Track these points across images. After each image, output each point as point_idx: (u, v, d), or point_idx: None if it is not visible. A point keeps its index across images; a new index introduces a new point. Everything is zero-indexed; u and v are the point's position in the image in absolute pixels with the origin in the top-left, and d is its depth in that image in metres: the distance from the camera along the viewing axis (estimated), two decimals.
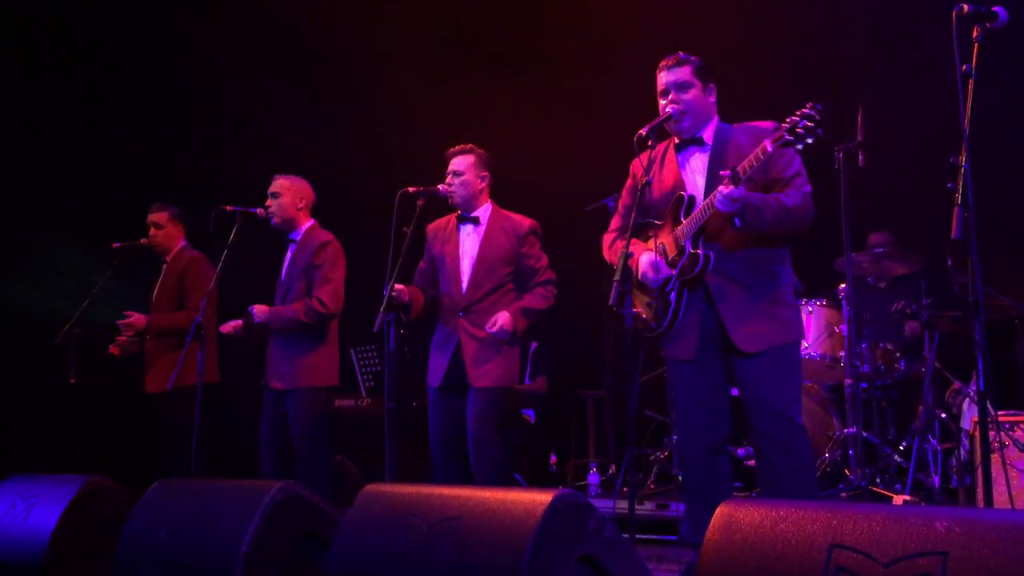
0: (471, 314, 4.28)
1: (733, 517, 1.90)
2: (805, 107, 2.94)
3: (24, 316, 6.33)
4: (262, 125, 7.08)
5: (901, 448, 5.09)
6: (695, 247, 3.31)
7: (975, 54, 2.66)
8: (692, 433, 3.42)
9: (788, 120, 2.97)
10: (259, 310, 4.67)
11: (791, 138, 2.94)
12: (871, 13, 6.17)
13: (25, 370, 6.14)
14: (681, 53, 3.46)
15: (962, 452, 4.69)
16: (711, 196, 3.20)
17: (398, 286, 4.12)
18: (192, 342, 4.51)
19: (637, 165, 3.52)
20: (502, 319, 4.19)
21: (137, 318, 5.11)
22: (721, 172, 3.17)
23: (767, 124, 3.34)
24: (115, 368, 5.38)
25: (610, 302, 3.08)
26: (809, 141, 2.95)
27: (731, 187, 3.09)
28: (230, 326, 4.76)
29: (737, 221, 3.17)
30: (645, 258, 3.43)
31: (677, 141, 3.50)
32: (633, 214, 3.31)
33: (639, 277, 3.43)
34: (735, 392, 3.47)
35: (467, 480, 4.24)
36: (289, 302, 4.74)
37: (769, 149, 3.00)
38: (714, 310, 3.32)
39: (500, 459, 4.24)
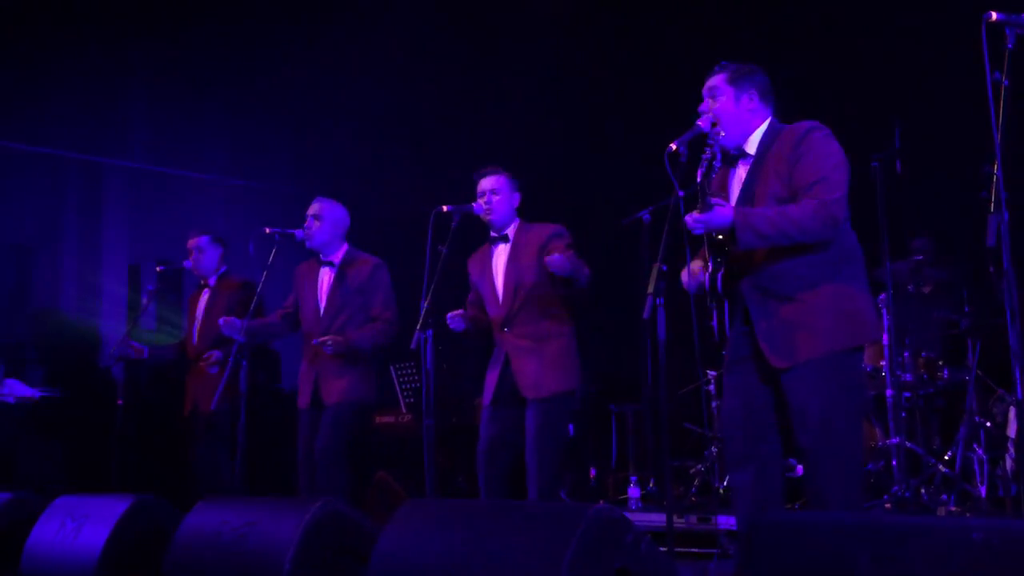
0: (513, 326, 4.29)
1: (767, 530, 1.90)
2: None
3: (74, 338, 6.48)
4: (297, 140, 7.18)
5: (946, 458, 5.02)
6: (704, 268, 3.26)
7: (1006, 61, 2.64)
8: (738, 446, 3.26)
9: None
10: (330, 340, 4.66)
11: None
12: (907, 21, 6.13)
13: (76, 392, 6.28)
14: (724, 61, 3.37)
15: (1008, 461, 4.62)
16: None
17: (455, 313, 4.21)
18: (235, 362, 4.58)
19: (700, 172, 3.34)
20: (557, 257, 4.05)
21: (137, 351, 5.25)
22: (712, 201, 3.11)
23: (802, 126, 3.20)
24: (163, 388, 5.49)
25: (643, 316, 3.08)
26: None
27: (702, 212, 3.05)
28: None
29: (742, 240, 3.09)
30: (685, 270, 3.37)
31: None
32: (664, 235, 3.27)
33: (689, 288, 3.35)
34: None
35: (513, 498, 4.21)
36: (340, 324, 4.80)
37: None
38: (749, 324, 3.23)
39: (559, 473, 4.21)
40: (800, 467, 5.18)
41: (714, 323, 3.29)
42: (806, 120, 3.23)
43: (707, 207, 3.05)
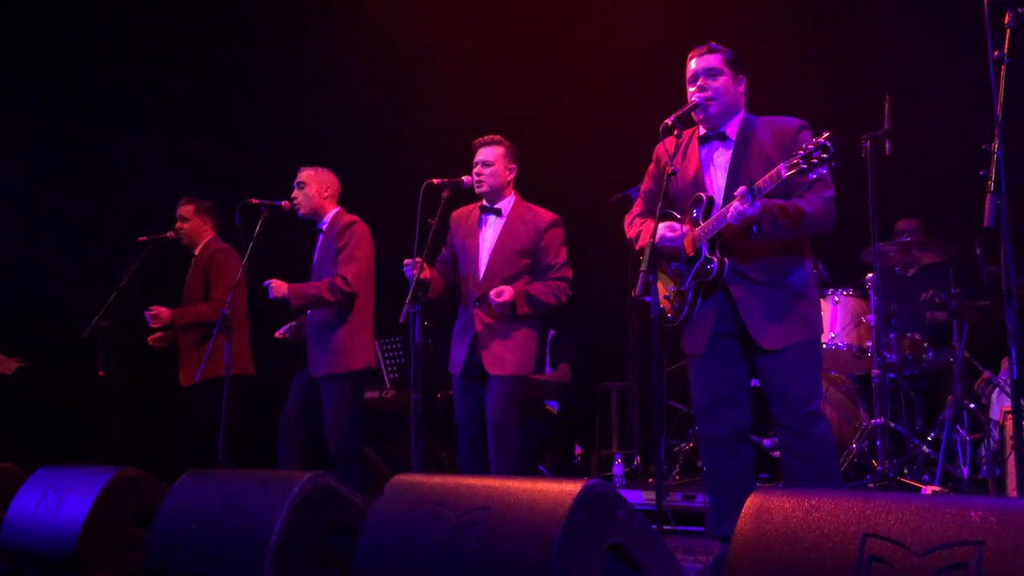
0: (485, 304, 4.29)
1: (764, 507, 1.89)
2: (821, 137, 2.94)
3: (53, 309, 6.39)
4: (286, 116, 7.11)
5: (929, 439, 5.05)
6: (712, 252, 3.31)
7: (1007, 39, 2.63)
8: (712, 424, 3.43)
9: (803, 148, 2.98)
10: (276, 285, 4.64)
11: (805, 166, 2.96)
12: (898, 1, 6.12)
13: (54, 363, 6.21)
14: (713, 43, 3.46)
15: (991, 442, 4.65)
16: (727, 207, 3.20)
17: (416, 260, 4.13)
18: (219, 334, 4.53)
19: (661, 150, 3.49)
20: (506, 292, 4.20)
21: (161, 311, 5.14)
22: (736, 192, 3.16)
23: (791, 123, 3.35)
24: (143, 360, 5.44)
25: (635, 292, 3.08)
26: (822, 171, 2.97)
27: (746, 204, 3.10)
28: (282, 332, 4.85)
29: (755, 229, 3.18)
30: (663, 224, 3.40)
31: (702, 133, 3.48)
32: (660, 203, 3.30)
33: (656, 241, 3.35)
34: (755, 383, 3.48)
35: (490, 469, 4.26)
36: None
37: (783, 175, 3.02)
38: (734, 309, 3.34)
39: (519, 447, 4.25)
40: (768, 441, 5.26)
41: (686, 307, 3.37)
42: (787, 116, 3.41)
43: (754, 196, 3.10)
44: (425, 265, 4.17)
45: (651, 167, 3.69)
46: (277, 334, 4.93)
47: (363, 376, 4.80)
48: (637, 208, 3.76)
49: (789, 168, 2.99)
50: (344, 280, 4.65)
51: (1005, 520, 1.64)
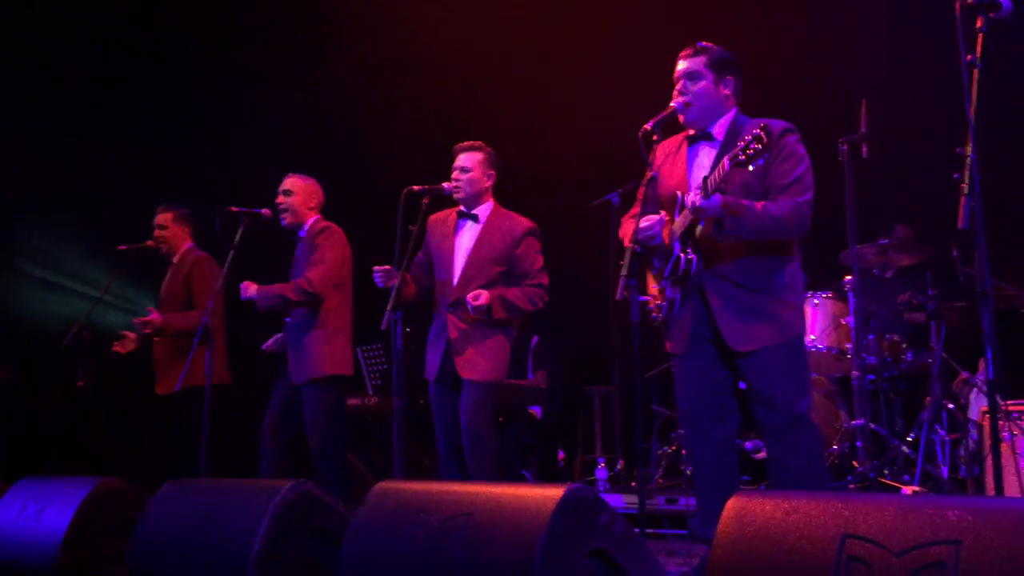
0: (459, 309, 4.30)
1: (745, 509, 1.90)
2: (758, 129, 2.97)
3: (33, 319, 6.35)
4: (267, 123, 7.09)
5: (909, 439, 5.09)
6: (683, 250, 3.31)
7: (979, 44, 2.66)
8: (698, 427, 3.41)
9: (742, 139, 2.99)
10: (246, 286, 4.66)
11: (743, 158, 2.98)
12: (874, 3, 6.17)
13: (34, 373, 6.16)
14: (700, 43, 3.43)
15: (970, 442, 4.69)
16: (686, 201, 3.20)
17: (386, 268, 4.13)
18: (200, 343, 4.51)
19: (654, 153, 3.47)
20: (483, 296, 4.19)
21: (154, 317, 5.10)
22: (692, 187, 3.18)
23: (777, 125, 3.31)
24: (123, 370, 5.40)
25: (616, 297, 3.09)
26: (759, 162, 2.98)
27: (699, 197, 3.10)
28: (270, 344, 4.85)
29: (716, 227, 3.17)
30: (641, 219, 3.39)
31: (691, 133, 3.48)
32: (641, 206, 3.31)
33: (636, 237, 3.35)
34: (742, 385, 3.47)
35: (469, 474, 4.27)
36: None
37: (727, 167, 3.04)
38: (708, 311, 3.32)
39: (494, 452, 4.25)
40: (750, 444, 5.28)
41: (665, 305, 3.37)
42: (775, 119, 3.36)
43: (708, 193, 3.11)
44: (400, 272, 4.17)
45: (648, 172, 3.67)
46: (264, 347, 4.91)
47: (342, 382, 4.79)
48: (633, 211, 3.72)
49: (731, 160, 3.00)
50: (308, 281, 4.64)
51: (982, 519, 1.67)
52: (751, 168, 3.00)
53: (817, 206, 3.36)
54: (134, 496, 3.50)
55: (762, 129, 2.95)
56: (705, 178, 3.13)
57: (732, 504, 1.92)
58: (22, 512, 3.50)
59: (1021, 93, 5.27)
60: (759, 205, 3.19)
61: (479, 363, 4.27)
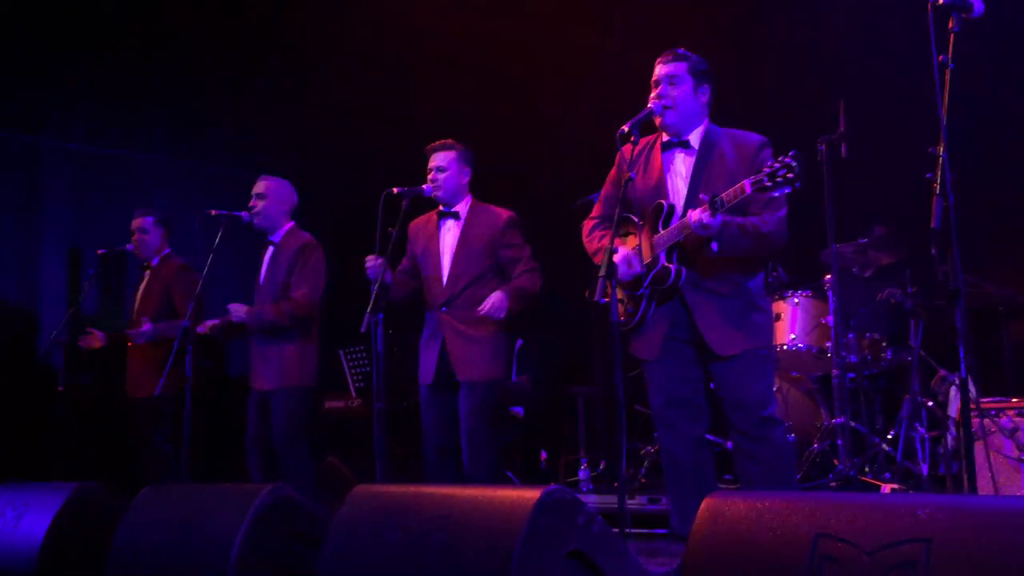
0: (453, 308, 4.29)
1: (719, 509, 1.91)
2: (787, 156, 2.97)
3: (10, 324, 6.31)
4: (246, 123, 7.06)
5: (889, 437, 5.12)
6: (669, 260, 3.35)
7: (951, 44, 2.68)
8: (675, 427, 3.47)
9: (768, 166, 3.01)
10: (237, 309, 4.66)
11: (769, 184, 2.99)
12: (851, 2, 6.19)
13: (12, 378, 6.12)
14: (680, 49, 3.49)
15: (949, 440, 4.72)
16: (688, 217, 3.23)
17: (379, 260, 4.10)
18: (179, 347, 4.50)
19: (624, 154, 3.51)
20: (495, 297, 4.16)
21: (147, 327, 5.09)
22: (700, 195, 3.21)
23: (753, 140, 3.40)
24: (103, 374, 5.37)
25: (594, 297, 3.10)
26: (786, 190, 3.00)
27: (708, 215, 3.13)
28: (207, 326, 4.77)
29: (714, 246, 3.22)
30: (620, 254, 3.44)
31: (665, 139, 3.51)
32: (617, 209, 3.33)
33: (618, 276, 3.41)
34: (712, 385, 3.53)
35: (462, 479, 4.24)
36: (271, 300, 4.73)
37: (747, 191, 3.06)
38: (689, 316, 3.39)
39: (495, 458, 4.23)
40: (731, 443, 5.30)
41: (640, 311, 3.41)
42: (750, 131, 3.47)
43: (716, 208, 3.14)
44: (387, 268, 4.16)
45: (613, 171, 3.72)
46: (200, 329, 4.80)
47: (311, 392, 4.79)
48: (596, 211, 3.78)
49: (754, 185, 3.02)
50: (298, 305, 4.67)
51: (952, 518, 1.68)
52: (776, 194, 3.03)
53: (796, 206, 3.41)
54: (113, 501, 3.47)
55: (794, 158, 2.96)
56: (715, 196, 3.15)
57: (706, 504, 1.93)
58: (0, 519, 3.47)
59: (1002, 93, 5.31)
60: (749, 223, 3.26)
61: (478, 362, 4.23)
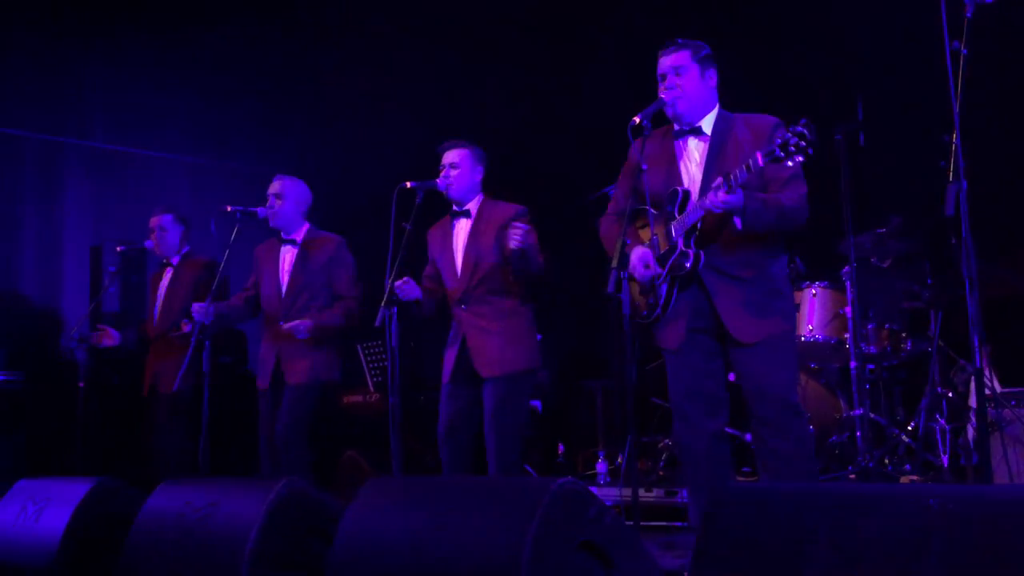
0: (470, 303, 4.28)
1: (727, 501, 1.91)
2: (798, 125, 2.94)
3: (34, 320, 6.38)
4: (263, 121, 7.10)
5: (909, 428, 5.08)
6: (687, 245, 3.32)
7: (965, 31, 2.65)
8: (690, 420, 3.43)
9: (779, 136, 2.97)
10: (296, 327, 4.62)
11: (781, 154, 2.96)
12: None
13: (35, 373, 6.18)
14: (680, 39, 3.47)
15: (969, 431, 4.68)
16: (706, 198, 3.20)
17: (405, 280, 4.10)
18: (196, 343, 4.53)
19: (635, 147, 3.50)
20: (524, 233, 4.01)
21: (108, 336, 5.17)
22: (713, 184, 3.18)
23: (768, 120, 3.36)
24: (123, 370, 5.42)
25: (608, 290, 3.09)
26: (799, 159, 2.95)
27: (728, 194, 3.11)
28: (199, 310, 4.62)
29: (738, 223, 3.19)
30: (636, 253, 3.43)
31: (677, 128, 3.49)
32: (630, 200, 3.32)
33: (629, 270, 3.41)
34: (732, 377, 3.49)
35: (473, 470, 4.23)
36: (305, 304, 4.74)
37: (760, 163, 3.03)
38: (709, 303, 3.34)
39: (519, 449, 4.19)
40: (750, 435, 5.28)
41: (660, 302, 3.39)
42: (765, 114, 3.42)
43: (730, 187, 3.11)
44: (413, 280, 4.15)
45: (627, 164, 3.71)
46: (194, 310, 4.67)
47: (334, 386, 4.83)
48: (611, 207, 3.77)
49: (766, 156, 2.99)
50: (357, 303, 4.79)
51: (960, 506, 1.67)
52: (790, 164, 2.97)
53: (814, 196, 3.38)
54: (133, 495, 3.50)
55: (805, 126, 2.93)
56: (727, 174, 3.13)
57: (713, 496, 1.92)
58: (21, 513, 3.51)
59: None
60: (772, 198, 3.23)
61: (499, 356, 4.15)
